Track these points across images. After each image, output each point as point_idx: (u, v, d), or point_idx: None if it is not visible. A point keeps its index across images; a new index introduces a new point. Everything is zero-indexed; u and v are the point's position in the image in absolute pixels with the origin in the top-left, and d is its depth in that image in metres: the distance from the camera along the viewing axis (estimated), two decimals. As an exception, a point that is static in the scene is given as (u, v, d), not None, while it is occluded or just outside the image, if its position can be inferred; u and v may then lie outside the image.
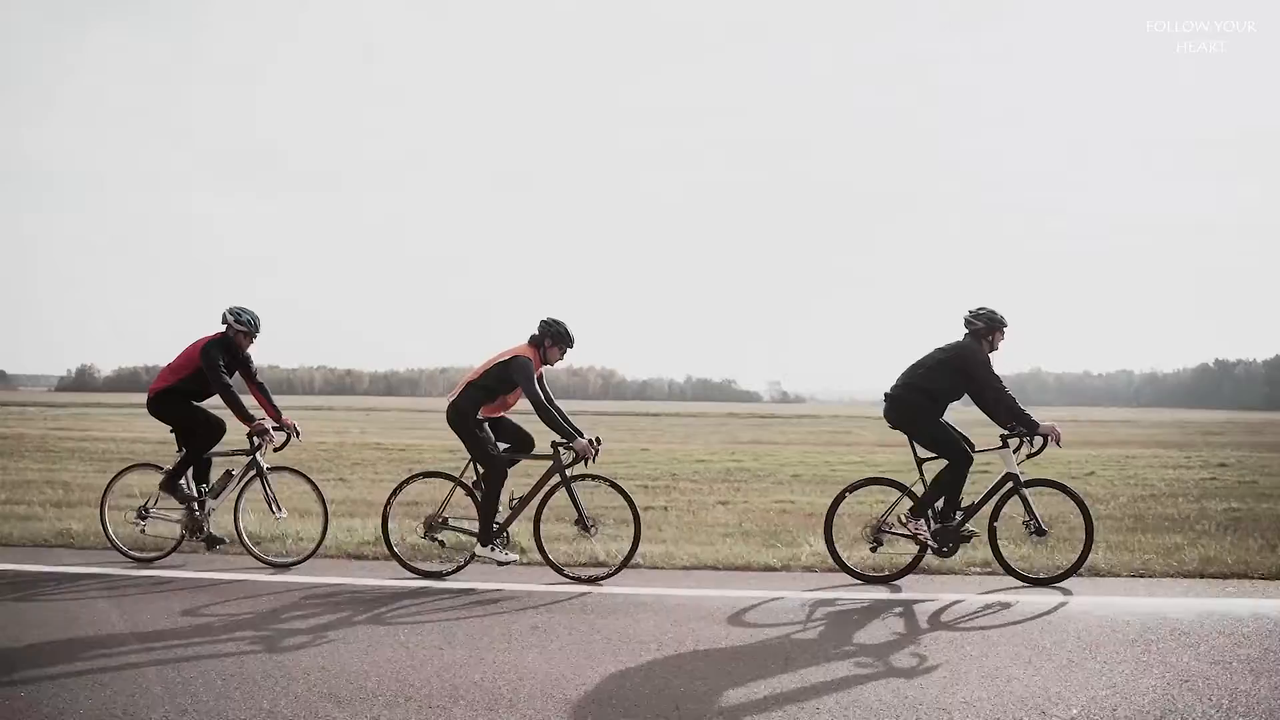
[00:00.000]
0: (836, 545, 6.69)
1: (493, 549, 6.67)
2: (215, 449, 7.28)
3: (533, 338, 6.79)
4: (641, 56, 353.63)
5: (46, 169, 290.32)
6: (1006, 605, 5.88)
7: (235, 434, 7.30)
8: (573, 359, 7.08)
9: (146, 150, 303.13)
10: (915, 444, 6.71)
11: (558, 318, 6.81)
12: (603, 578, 6.53)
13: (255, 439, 7.08)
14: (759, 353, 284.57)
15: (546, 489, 6.75)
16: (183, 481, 7.16)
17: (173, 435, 7.29)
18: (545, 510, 6.75)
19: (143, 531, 7.20)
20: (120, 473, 7.51)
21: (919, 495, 6.60)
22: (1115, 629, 5.26)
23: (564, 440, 6.65)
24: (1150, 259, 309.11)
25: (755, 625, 5.49)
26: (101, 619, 5.44)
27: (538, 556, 6.75)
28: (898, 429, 6.75)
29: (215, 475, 7.31)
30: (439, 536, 6.83)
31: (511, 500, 6.79)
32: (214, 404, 7.25)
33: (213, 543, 7.15)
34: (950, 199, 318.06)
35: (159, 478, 7.23)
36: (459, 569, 6.72)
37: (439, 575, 6.64)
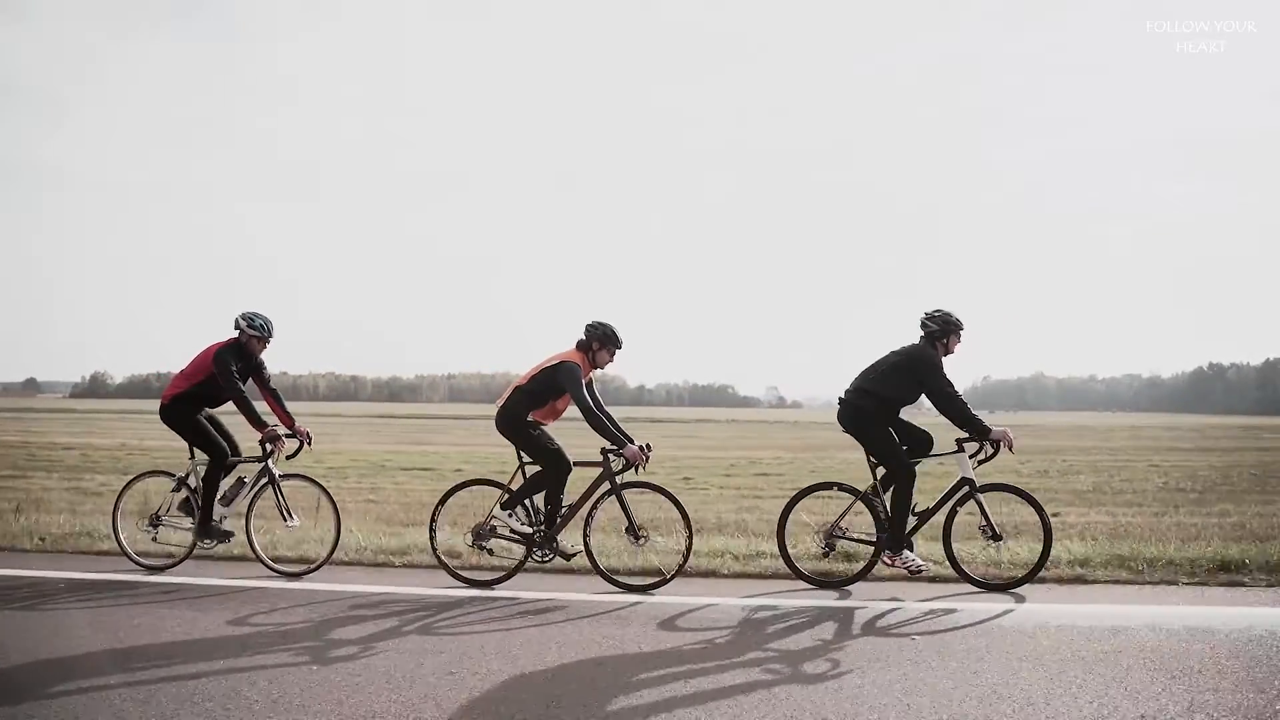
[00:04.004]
0: (789, 550, 6.67)
1: (510, 514, 6.69)
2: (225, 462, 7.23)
3: (580, 342, 6.78)
4: (660, 64, 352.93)
5: (60, 175, 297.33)
6: (950, 611, 5.82)
7: (247, 440, 7.36)
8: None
9: (162, 158, 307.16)
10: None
11: (603, 319, 6.78)
12: (654, 586, 6.50)
13: (267, 445, 7.08)
14: (758, 358, 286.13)
15: (596, 497, 6.74)
16: (215, 522, 7.13)
17: (186, 443, 7.24)
18: (595, 518, 6.75)
19: (155, 539, 7.24)
20: (132, 480, 7.52)
21: (871, 502, 6.58)
22: (1056, 637, 5.17)
23: (614, 447, 6.65)
24: (1152, 260, 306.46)
25: (683, 630, 5.50)
26: (112, 628, 5.49)
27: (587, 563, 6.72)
28: (850, 434, 6.69)
29: (228, 483, 7.23)
30: (487, 545, 6.82)
31: (561, 509, 6.80)
32: (222, 410, 7.32)
33: (221, 535, 7.11)
34: (950, 201, 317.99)
35: (170, 485, 7.27)
36: (507, 578, 6.70)
37: (487, 584, 6.63)
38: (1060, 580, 6.55)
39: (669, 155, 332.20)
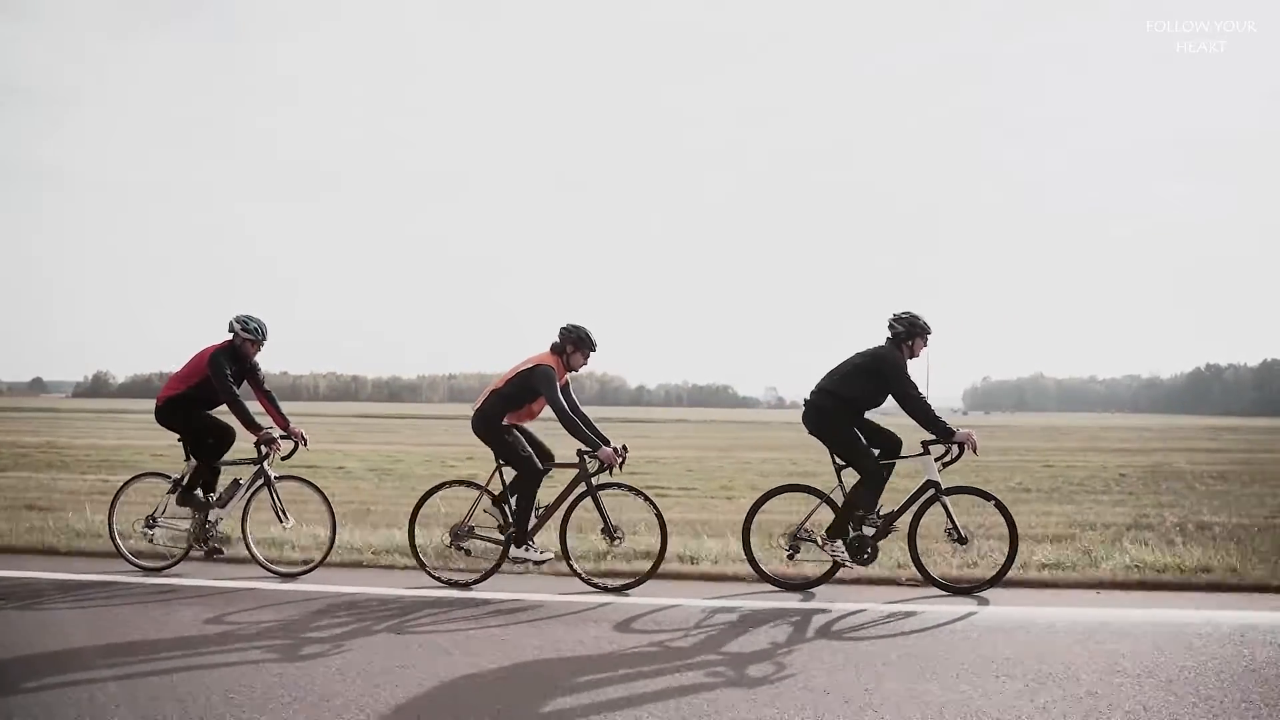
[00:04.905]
0: (755, 552, 6.72)
1: (527, 549, 6.74)
2: (223, 458, 7.39)
3: (554, 345, 6.87)
4: (661, 65, 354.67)
5: (62, 175, 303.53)
6: (910, 614, 5.83)
7: (242, 443, 7.42)
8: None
9: (163, 158, 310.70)
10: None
11: (577, 323, 6.88)
12: (628, 587, 6.59)
13: (262, 448, 7.15)
14: (758, 359, 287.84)
15: (572, 498, 6.83)
16: (197, 491, 7.28)
17: (180, 444, 7.37)
18: (571, 519, 6.83)
19: (151, 541, 7.31)
20: (128, 481, 7.57)
21: (837, 504, 6.57)
22: (1014, 641, 5.21)
23: (589, 449, 6.76)
24: (1152, 260, 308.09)
25: (641, 632, 5.58)
26: (104, 627, 5.59)
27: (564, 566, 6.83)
28: (814, 435, 6.70)
29: (223, 484, 7.37)
30: (465, 545, 6.91)
31: (537, 509, 6.86)
32: (220, 412, 7.37)
33: (213, 553, 7.22)
34: (950, 201, 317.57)
35: (166, 486, 7.34)
36: (484, 578, 6.79)
37: (464, 585, 6.73)
38: (1026, 584, 6.57)
39: (669, 156, 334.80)
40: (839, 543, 6.50)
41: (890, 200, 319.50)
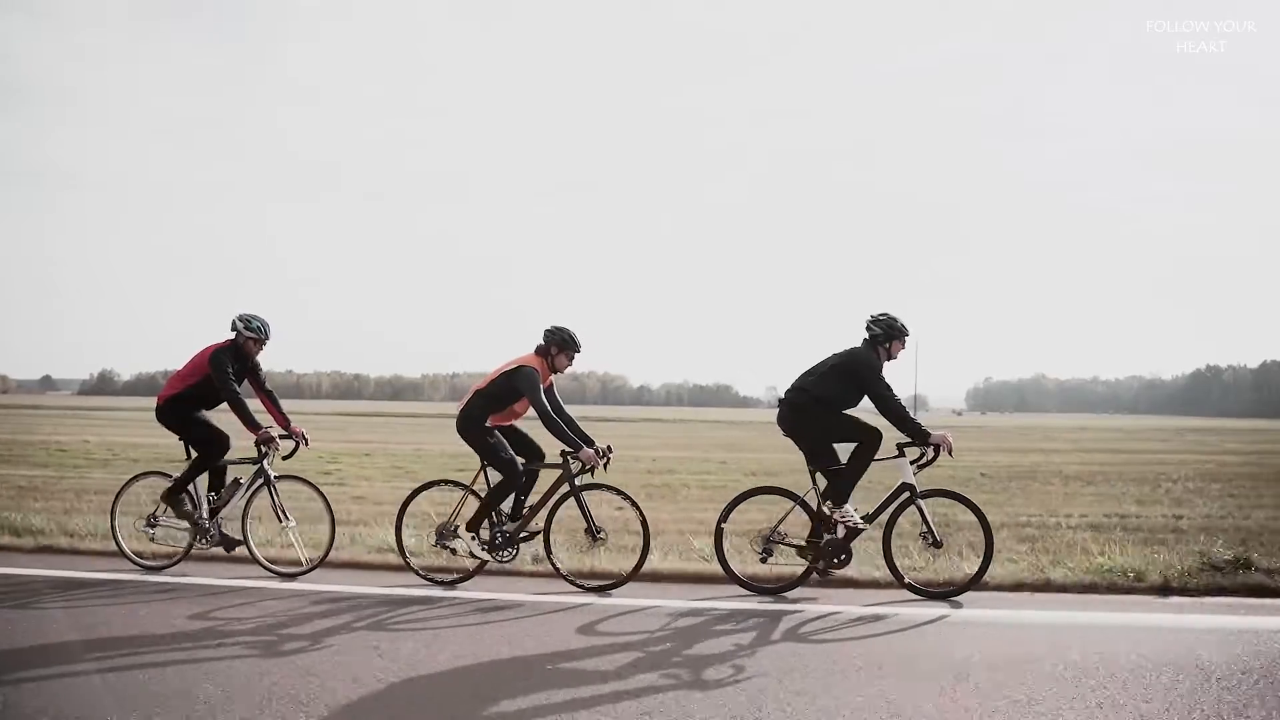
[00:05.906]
0: (727, 555, 6.68)
1: (474, 538, 6.84)
2: (224, 457, 7.38)
3: (539, 347, 6.96)
4: (675, 67, 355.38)
5: (67, 175, 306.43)
6: (879, 618, 5.81)
7: (243, 441, 7.43)
8: (576, 364, 7.10)
9: (169, 159, 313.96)
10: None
11: (561, 324, 6.96)
12: (609, 587, 6.64)
13: (262, 447, 7.16)
14: (759, 359, 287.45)
15: (556, 498, 6.89)
16: (187, 494, 7.29)
17: (181, 443, 7.38)
18: (554, 520, 6.87)
19: (153, 539, 7.37)
20: (130, 480, 7.63)
21: (811, 507, 6.54)
22: (985, 646, 5.16)
23: (572, 449, 6.83)
24: (1152, 260, 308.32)
25: (607, 634, 5.58)
26: (103, 625, 5.67)
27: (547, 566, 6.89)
28: (789, 436, 6.66)
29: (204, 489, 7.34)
30: (451, 545, 6.97)
31: (521, 509, 6.96)
32: (220, 411, 7.40)
33: (230, 544, 7.22)
34: (954, 203, 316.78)
35: (168, 485, 7.37)
36: (468, 577, 6.90)
37: (449, 584, 6.85)
38: (1001, 588, 6.52)
39: (676, 157, 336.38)
40: (847, 507, 6.47)
41: (893, 201, 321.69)
